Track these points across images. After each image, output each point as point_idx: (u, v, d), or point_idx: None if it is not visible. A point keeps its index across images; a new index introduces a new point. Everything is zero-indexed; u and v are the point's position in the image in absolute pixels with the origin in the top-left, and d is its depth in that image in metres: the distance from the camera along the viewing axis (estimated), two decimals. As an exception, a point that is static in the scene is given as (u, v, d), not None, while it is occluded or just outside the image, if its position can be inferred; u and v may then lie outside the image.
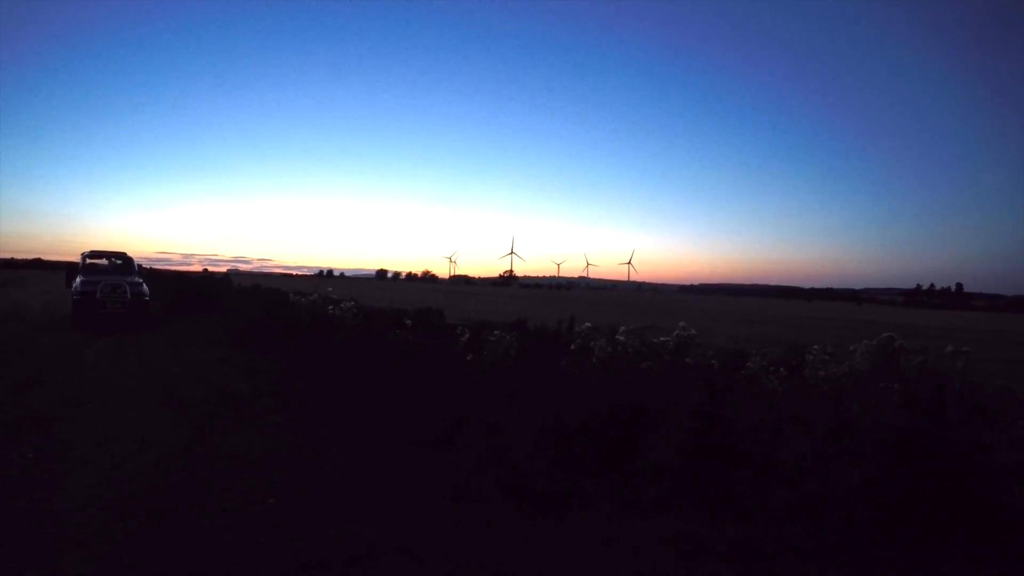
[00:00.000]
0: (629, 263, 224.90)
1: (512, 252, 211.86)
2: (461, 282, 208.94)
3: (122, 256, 18.43)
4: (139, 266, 19.90)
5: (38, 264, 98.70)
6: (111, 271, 17.70)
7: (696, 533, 3.68)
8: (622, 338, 5.77)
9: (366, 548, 3.42)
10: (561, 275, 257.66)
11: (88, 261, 17.65)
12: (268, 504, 4.04)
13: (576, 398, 5.21)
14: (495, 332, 6.32)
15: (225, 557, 3.28)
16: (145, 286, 16.45)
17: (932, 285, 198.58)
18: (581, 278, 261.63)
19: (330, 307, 10.03)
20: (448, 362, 6.46)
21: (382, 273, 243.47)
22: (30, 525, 3.60)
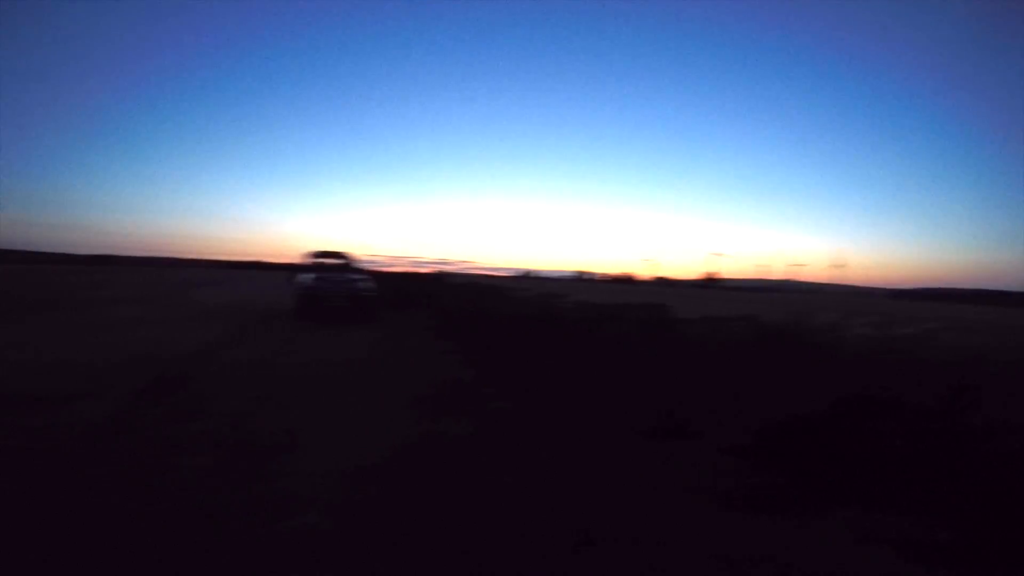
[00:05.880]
0: (837, 265, 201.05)
1: (716, 254, 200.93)
2: (662, 283, 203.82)
3: (343, 255, 20.11)
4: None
5: (256, 265, 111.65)
6: (334, 269, 19.11)
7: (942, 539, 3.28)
8: (863, 330, 5.31)
9: (591, 534, 3.32)
10: (765, 277, 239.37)
11: (313, 260, 19.38)
12: (503, 482, 4.21)
13: (818, 387, 4.93)
14: (728, 324, 5.79)
15: (453, 529, 3.34)
16: (371, 282, 17.71)
17: None
18: (786, 280, 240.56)
19: (553, 301, 10.09)
20: (678, 352, 6.07)
21: (581, 275, 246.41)
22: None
